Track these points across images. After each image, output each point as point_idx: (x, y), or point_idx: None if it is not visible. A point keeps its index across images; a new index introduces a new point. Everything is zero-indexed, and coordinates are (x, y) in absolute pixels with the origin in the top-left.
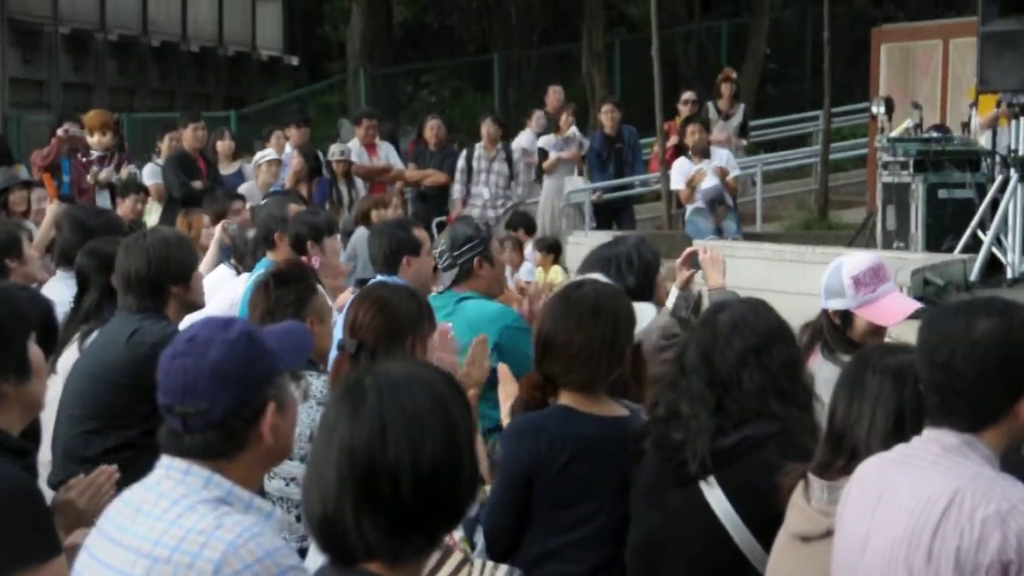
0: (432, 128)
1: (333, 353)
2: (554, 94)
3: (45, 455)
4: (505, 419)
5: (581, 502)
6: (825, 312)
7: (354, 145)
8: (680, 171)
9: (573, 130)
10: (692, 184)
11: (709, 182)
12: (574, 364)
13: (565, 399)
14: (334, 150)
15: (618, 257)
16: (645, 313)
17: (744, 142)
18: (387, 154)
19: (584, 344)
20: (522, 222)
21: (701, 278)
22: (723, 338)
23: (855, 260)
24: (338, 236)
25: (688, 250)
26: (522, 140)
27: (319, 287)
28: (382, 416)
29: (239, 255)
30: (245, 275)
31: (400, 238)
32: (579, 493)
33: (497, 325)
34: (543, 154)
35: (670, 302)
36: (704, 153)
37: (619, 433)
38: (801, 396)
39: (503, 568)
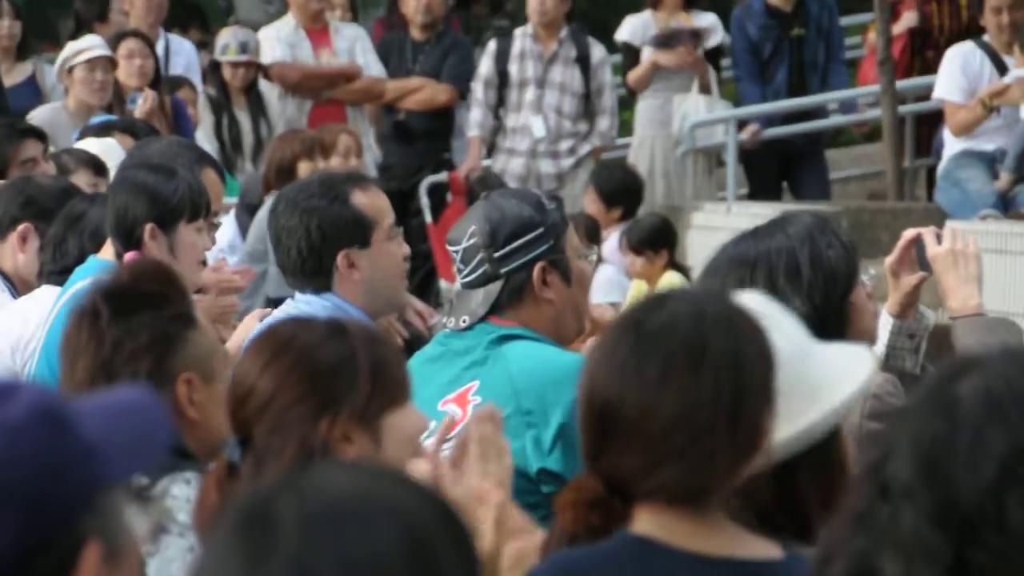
0: None
1: None
2: None
3: None
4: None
5: None
6: None
7: (281, 28)
8: (963, 69)
9: (704, 19)
10: (992, 103)
11: None
12: (663, 453)
13: (644, 524)
14: (226, 41)
15: (771, 258)
16: (855, 366)
17: None
18: (353, 45)
19: (680, 413)
20: (618, 189)
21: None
22: (968, 432)
23: None
24: (202, 222)
25: (909, 234)
26: (624, 31)
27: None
28: (310, 573)
29: None
30: (46, 290)
31: (328, 216)
32: None
33: (564, 394)
34: (629, 54)
35: (881, 343)
36: None
37: None
38: None
39: None
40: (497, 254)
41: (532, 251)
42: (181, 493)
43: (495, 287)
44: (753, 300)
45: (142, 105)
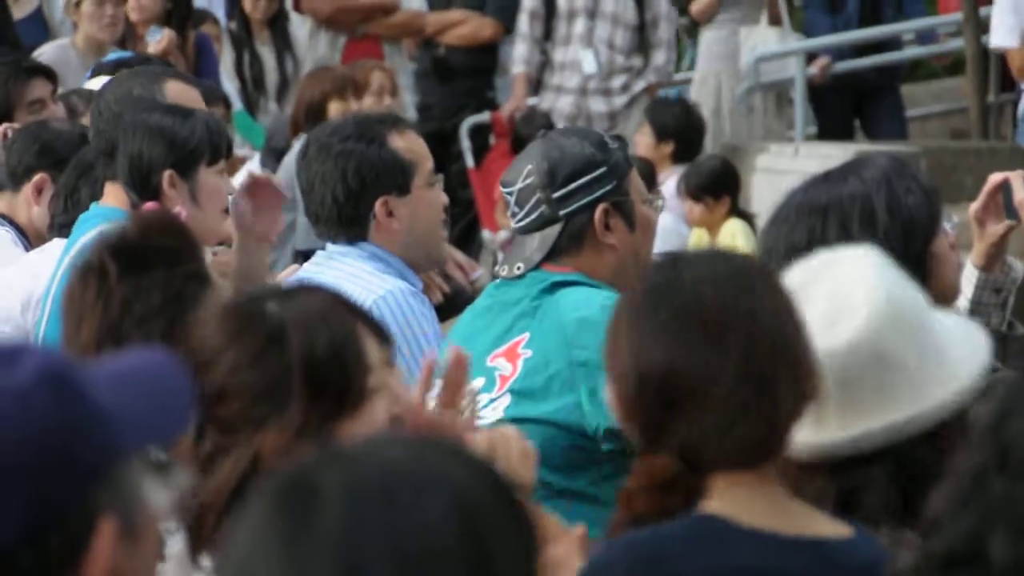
0: None
1: None
2: None
3: None
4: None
5: None
6: None
7: None
8: (1013, 7)
9: None
10: None
11: None
12: (734, 409)
13: (715, 502)
14: None
15: (844, 204)
16: (975, 339)
17: None
18: None
19: (734, 370)
20: (670, 122)
21: None
22: None
23: None
24: (223, 164)
25: (996, 178)
26: None
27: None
28: (354, 549)
29: None
30: (57, 243)
31: (366, 160)
32: None
33: None
34: None
35: (965, 298)
36: None
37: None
38: None
39: None
40: (556, 195)
41: (594, 192)
42: None
43: (553, 231)
44: (868, 257)
45: (159, 43)
